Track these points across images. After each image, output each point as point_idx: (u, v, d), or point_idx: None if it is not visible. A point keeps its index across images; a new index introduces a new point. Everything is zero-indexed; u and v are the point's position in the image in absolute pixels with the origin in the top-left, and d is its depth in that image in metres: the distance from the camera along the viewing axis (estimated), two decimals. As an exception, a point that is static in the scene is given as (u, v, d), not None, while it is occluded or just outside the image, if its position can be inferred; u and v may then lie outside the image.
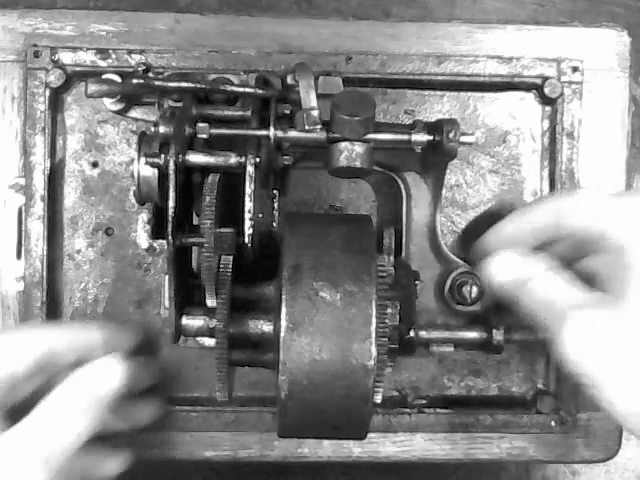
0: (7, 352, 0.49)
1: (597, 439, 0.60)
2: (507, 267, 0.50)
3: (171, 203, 0.46)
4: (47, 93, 0.56)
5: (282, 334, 0.43)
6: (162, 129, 0.49)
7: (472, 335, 0.53)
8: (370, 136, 0.50)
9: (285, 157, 0.51)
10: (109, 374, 0.49)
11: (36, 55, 0.56)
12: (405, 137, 0.51)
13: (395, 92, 0.59)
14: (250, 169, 0.48)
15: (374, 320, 0.43)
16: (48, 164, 0.57)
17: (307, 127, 0.50)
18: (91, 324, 0.55)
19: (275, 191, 0.52)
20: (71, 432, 0.47)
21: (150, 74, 0.55)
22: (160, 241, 0.58)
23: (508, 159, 0.60)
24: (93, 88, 0.51)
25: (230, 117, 0.52)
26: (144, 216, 0.58)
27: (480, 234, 0.54)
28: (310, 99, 0.50)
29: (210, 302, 0.48)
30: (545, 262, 0.49)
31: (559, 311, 0.45)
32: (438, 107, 0.59)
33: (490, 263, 0.51)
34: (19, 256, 0.57)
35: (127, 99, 0.56)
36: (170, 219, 0.46)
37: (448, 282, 0.56)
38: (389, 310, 0.47)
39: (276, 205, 0.52)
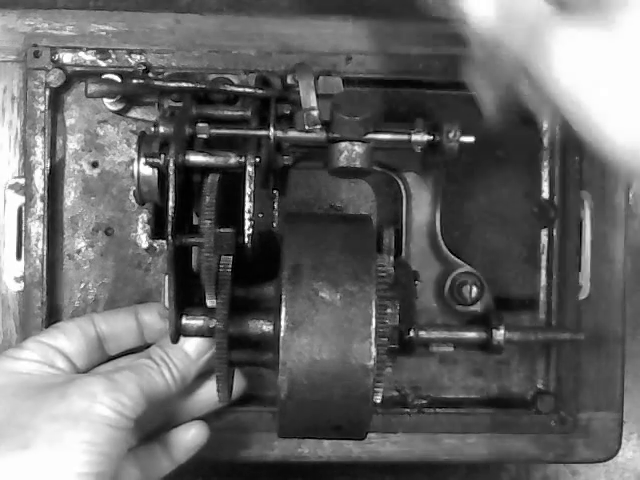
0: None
1: (597, 439, 0.60)
2: None
3: (171, 203, 0.46)
4: (47, 93, 0.56)
5: (282, 334, 0.43)
6: (162, 129, 0.49)
7: (472, 335, 0.53)
8: (370, 136, 0.50)
9: (285, 157, 0.51)
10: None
11: (36, 55, 0.56)
12: (405, 137, 0.51)
13: (395, 92, 0.59)
14: (250, 169, 0.48)
15: (374, 320, 0.43)
16: (48, 164, 0.57)
17: (307, 127, 0.50)
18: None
19: (275, 191, 0.52)
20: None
21: (150, 74, 0.55)
22: (160, 241, 0.58)
23: (508, 159, 0.60)
24: (93, 88, 0.51)
25: (230, 117, 0.52)
26: (144, 216, 0.58)
27: None
28: (310, 99, 0.50)
29: (210, 302, 0.48)
30: None
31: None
32: (438, 107, 0.59)
33: None
34: (19, 256, 0.57)
35: (127, 99, 0.56)
36: (170, 219, 0.46)
37: (448, 282, 0.56)
38: (389, 310, 0.47)
39: (276, 205, 0.52)
